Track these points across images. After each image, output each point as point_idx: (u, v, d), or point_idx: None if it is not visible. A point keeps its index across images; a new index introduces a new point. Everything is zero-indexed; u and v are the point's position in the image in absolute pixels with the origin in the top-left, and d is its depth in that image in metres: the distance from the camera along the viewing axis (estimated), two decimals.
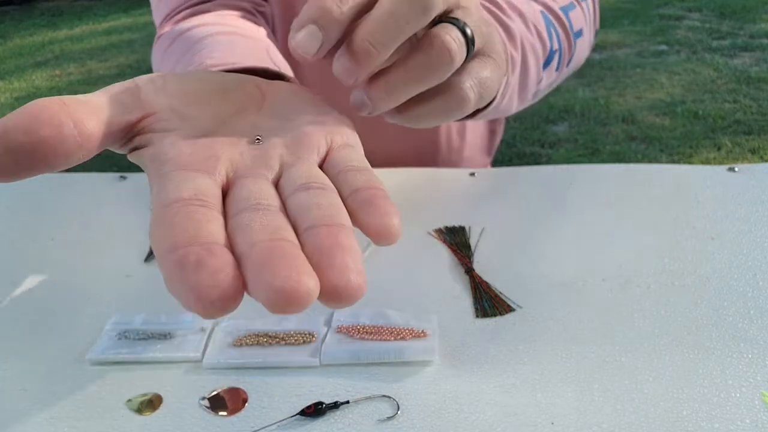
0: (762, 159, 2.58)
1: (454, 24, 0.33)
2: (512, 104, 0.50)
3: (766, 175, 0.70)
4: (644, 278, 0.55)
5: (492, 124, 0.90)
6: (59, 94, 0.41)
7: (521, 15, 0.50)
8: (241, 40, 0.49)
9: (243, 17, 0.63)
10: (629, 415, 0.42)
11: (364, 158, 0.30)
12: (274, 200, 0.25)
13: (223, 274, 0.21)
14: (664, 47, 4.02)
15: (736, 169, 0.71)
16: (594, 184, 0.70)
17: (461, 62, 0.33)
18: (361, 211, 0.25)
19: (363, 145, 0.32)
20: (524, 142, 2.73)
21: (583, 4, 0.62)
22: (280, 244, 0.22)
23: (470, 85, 0.35)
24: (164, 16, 0.67)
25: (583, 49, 0.62)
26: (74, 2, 6.40)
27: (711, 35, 4.16)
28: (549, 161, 2.64)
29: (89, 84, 3.99)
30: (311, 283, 0.21)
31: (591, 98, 3.21)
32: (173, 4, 0.66)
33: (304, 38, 0.30)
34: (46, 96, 0.28)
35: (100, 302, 0.55)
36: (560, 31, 0.55)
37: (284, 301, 0.21)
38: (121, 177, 0.75)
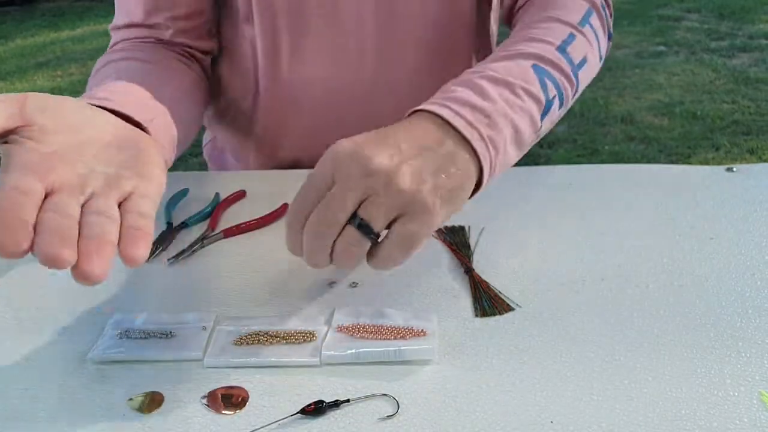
0: (760, 159, 2.59)
1: (350, 224, 0.45)
2: (511, 163, 0.55)
3: (765, 175, 0.70)
4: (643, 278, 0.55)
5: None
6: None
7: (507, 85, 0.53)
8: (137, 87, 0.58)
9: (175, 58, 0.71)
10: (628, 414, 0.42)
11: (152, 207, 0.44)
12: (75, 212, 0.40)
13: (21, 234, 0.37)
14: (662, 48, 4.02)
15: (735, 169, 0.72)
16: (593, 184, 0.70)
17: (363, 250, 0.46)
18: (123, 240, 0.40)
19: None
20: None
21: (585, 28, 0.62)
22: (64, 229, 0.38)
23: (388, 251, 0.47)
24: (120, 24, 0.73)
25: (590, 72, 0.63)
26: (75, 3, 6.40)
27: (709, 36, 4.17)
28: (548, 161, 2.64)
29: None
30: (72, 256, 0.37)
31: (590, 99, 3.21)
32: (128, 24, 0.72)
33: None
34: None
35: (102, 301, 0.55)
36: (557, 75, 0.57)
37: (52, 262, 0.37)
38: None
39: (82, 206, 0.41)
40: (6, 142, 0.42)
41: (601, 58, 0.65)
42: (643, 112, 3.11)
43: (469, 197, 0.51)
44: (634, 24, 4.48)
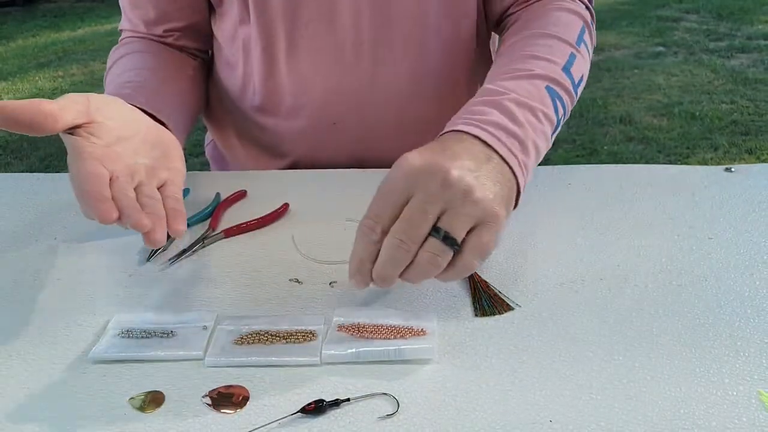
0: (759, 159, 2.59)
1: (434, 236, 0.47)
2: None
3: (763, 175, 0.71)
4: (642, 278, 0.55)
5: None
6: (62, 95, 0.48)
7: (531, 110, 0.56)
8: (154, 84, 0.70)
9: (179, 54, 0.79)
10: (627, 413, 0.42)
11: (180, 189, 0.56)
12: (134, 195, 0.52)
13: (111, 208, 0.50)
14: (661, 48, 4.03)
15: (733, 169, 0.72)
16: (592, 184, 0.71)
17: (447, 261, 0.47)
18: (168, 218, 0.52)
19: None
20: None
21: (581, 47, 0.66)
22: (136, 205, 0.51)
23: (468, 260, 0.48)
24: (126, 28, 0.80)
25: (583, 85, 0.67)
26: (76, 3, 6.40)
27: (708, 37, 4.17)
28: (547, 161, 2.63)
29: (92, 85, 3.99)
30: (150, 223, 0.50)
31: (589, 99, 3.21)
32: (134, 22, 0.79)
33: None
34: (48, 97, 0.42)
35: (103, 301, 0.55)
36: (564, 96, 0.61)
37: (139, 227, 0.50)
38: None
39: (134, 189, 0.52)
40: (71, 134, 0.52)
41: (588, 69, 0.69)
42: (642, 112, 3.11)
43: None
44: (633, 25, 4.49)
